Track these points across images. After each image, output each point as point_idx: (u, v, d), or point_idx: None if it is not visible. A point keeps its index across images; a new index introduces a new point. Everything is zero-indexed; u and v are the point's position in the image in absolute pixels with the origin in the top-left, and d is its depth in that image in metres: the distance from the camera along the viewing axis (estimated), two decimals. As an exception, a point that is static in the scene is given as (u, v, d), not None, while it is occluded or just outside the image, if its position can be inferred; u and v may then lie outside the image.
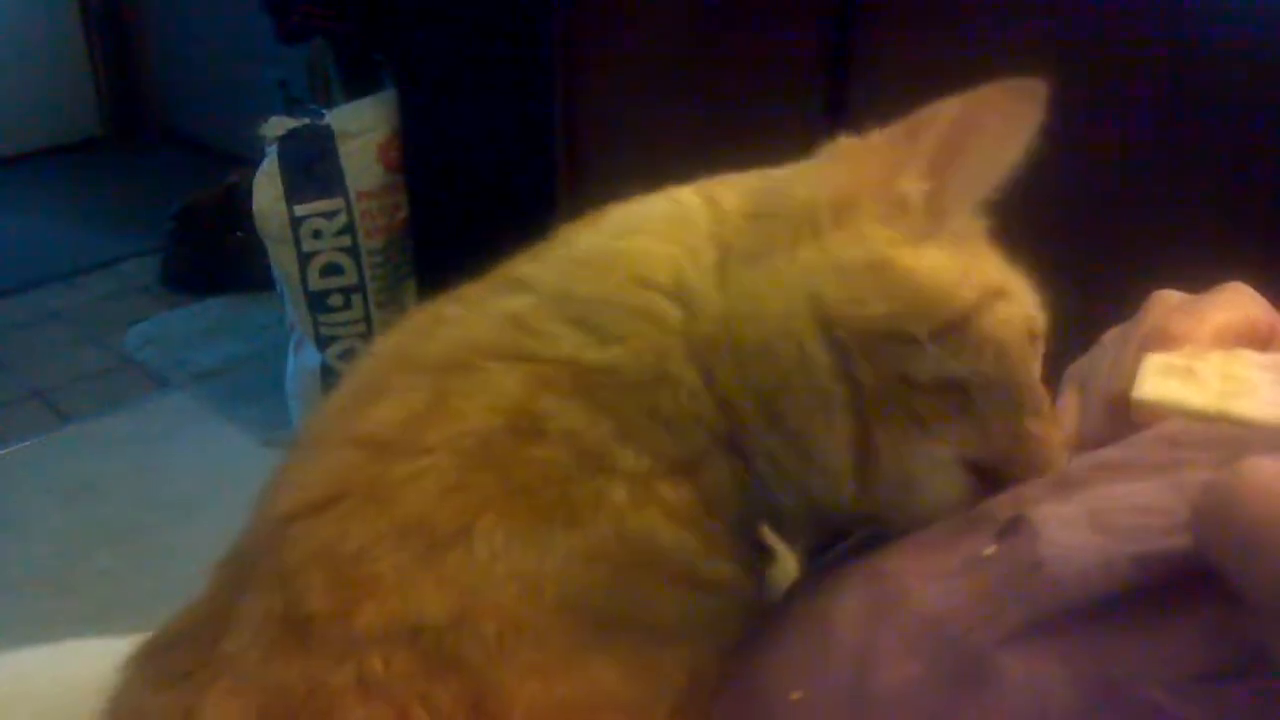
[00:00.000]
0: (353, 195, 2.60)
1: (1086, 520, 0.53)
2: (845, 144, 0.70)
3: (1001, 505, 0.60)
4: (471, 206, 2.45)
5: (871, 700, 0.53)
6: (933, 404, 0.63)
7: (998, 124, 0.67)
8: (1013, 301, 0.65)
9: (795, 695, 0.57)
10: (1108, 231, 1.64)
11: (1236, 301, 0.67)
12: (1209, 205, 1.57)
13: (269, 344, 3.20)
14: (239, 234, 3.40)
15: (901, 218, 0.65)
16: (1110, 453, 0.61)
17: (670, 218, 0.69)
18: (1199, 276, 0.71)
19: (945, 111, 0.67)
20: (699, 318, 0.64)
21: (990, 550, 0.56)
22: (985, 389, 0.63)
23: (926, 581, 0.57)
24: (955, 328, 0.62)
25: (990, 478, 0.64)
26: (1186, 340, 0.64)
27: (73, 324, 3.56)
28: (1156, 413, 0.62)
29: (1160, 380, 0.63)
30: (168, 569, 2.32)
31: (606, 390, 0.63)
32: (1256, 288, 0.69)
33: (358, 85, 2.77)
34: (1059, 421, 0.69)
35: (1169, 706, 0.45)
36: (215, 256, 3.61)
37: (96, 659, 0.69)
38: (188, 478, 2.79)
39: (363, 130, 2.62)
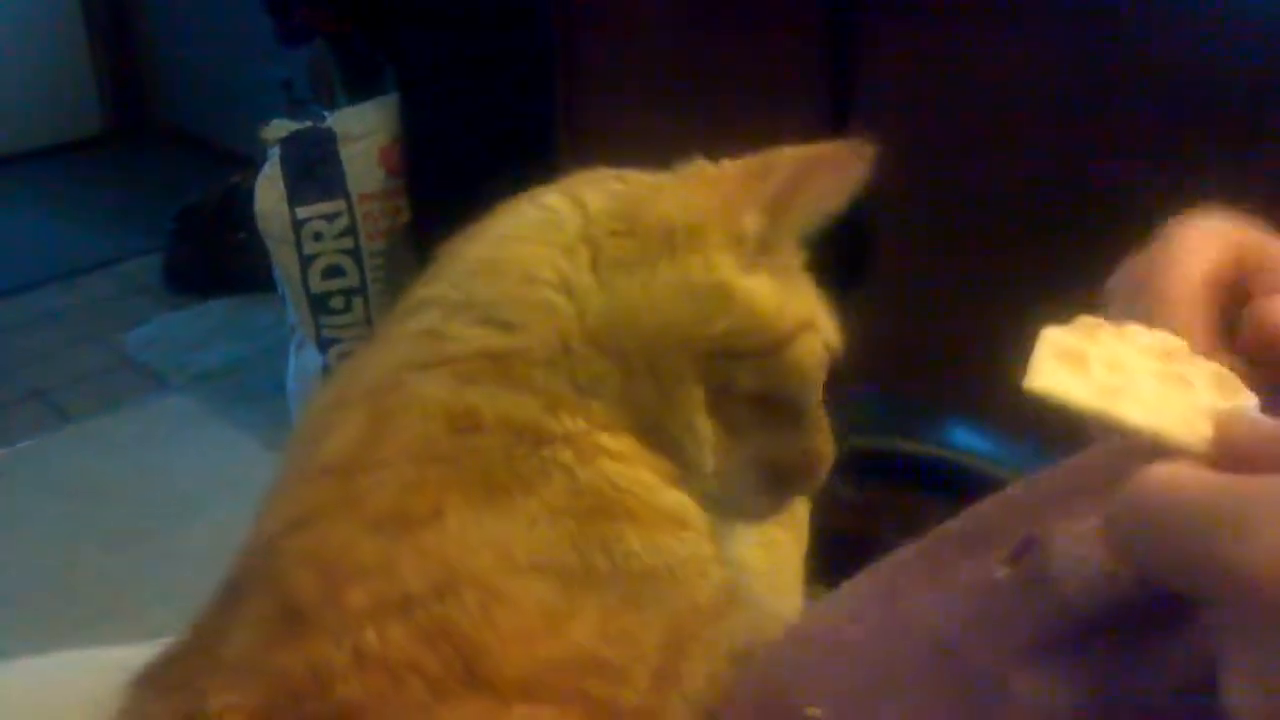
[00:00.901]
0: (354, 198, 2.61)
1: (1093, 535, 0.53)
2: (701, 168, 0.78)
3: (1012, 524, 0.60)
4: (473, 209, 2.44)
5: (889, 713, 0.54)
6: (746, 411, 0.73)
7: (829, 179, 0.75)
8: (816, 333, 0.75)
9: (812, 711, 0.57)
10: (1106, 224, 1.64)
11: (1208, 255, 0.62)
12: (1216, 195, 1.58)
13: (270, 345, 3.20)
14: (241, 235, 3.40)
15: (740, 248, 0.73)
16: (1119, 461, 0.60)
17: (542, 223, 0.76)
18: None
19: (788, 160, 0.75)
20: (586, 310, 0.72)
21: (1003, 573, 0.56)
22: (786, 406, 0.75)
23: (938, 603, 0.58)
24: (773, 350, 0.73)
25: (779, 480, 0.76)
26: (1166, 299, 0.60)
27: (74, 324, 3.57)
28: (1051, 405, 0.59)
29: (1053, 366, 0.55)
30: (169, 570, 2.32)
31: (523, 373, 0.70)
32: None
33: (360, 87, 2.77)
34: (830, 439, 0.78)
35: (1172, 713, 0.45)
36: (217, 257, 3.61)
37: (94, 669, 0.71)
38: (189, 479, 2.79)
39: (365, 133, 2.63)
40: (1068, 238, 1.65)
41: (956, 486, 0.70)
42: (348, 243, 2.62)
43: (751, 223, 0.73)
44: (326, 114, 2.67)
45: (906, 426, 0.94)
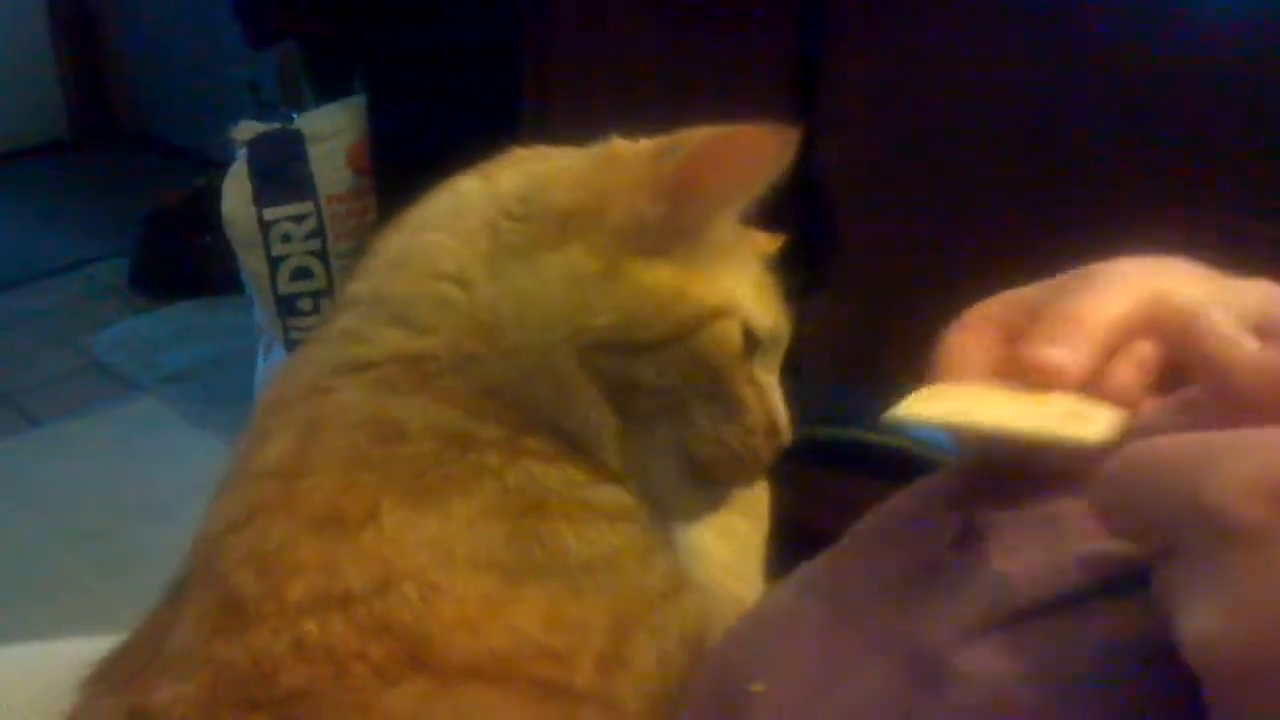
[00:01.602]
0: (322, 199, 2.60)
1: (1037, 524, 0.55)
2: (611, 148, 0.76)
3: (950, 510, 0.61)
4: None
5: (842, 703, 0.55)
6: (653, 404, 0.71)
7: (739, 162, 0.71)
8: (730, 319, 0.71)
9: (756, 687, 0.58)
10: (1076, 220, 1.66)
11: (1120, 291, 0.64)
12: (1166, 210, 1.59)
13: (238, 347, 3.19)
14: (208, 237, 3.39)
15: (638, 234, 0.70)
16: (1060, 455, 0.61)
17: (451, 210, 0.75)
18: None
19: (692, 142, 0.71)
20: (478, 304, 0.70)
21: (949, 558, 0.57)
22: (695, 398, 0.71)
23: (888, 589, 0.59)
24: (671, 341, 0.69)
25: (702, 473, 0.73)
26: (1093, 329, 0.62)
27: (41, 327, 3.55)
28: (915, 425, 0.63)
29: (915, 401, 0.63)
30: (137, 572, 2.31)
31: (438, 379, 0.69)
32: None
33: (328, 89, 2.77)
34: (771, 428, 0.74)
35: (1119, 697, 0.46)
36: (184, 260, 3.60)
37: (62, 662, 0.72)
38: (157, 481, 2.78)
39: (332, 134, 2.62)
40: (1037, 233, 1.66)
41: (917, 475, 0.70)
42: (315, 244, 2.62)
43: (649, 206, 0.70)
44: (294, 116, 2.66)
45: (872, 417, 0.94)
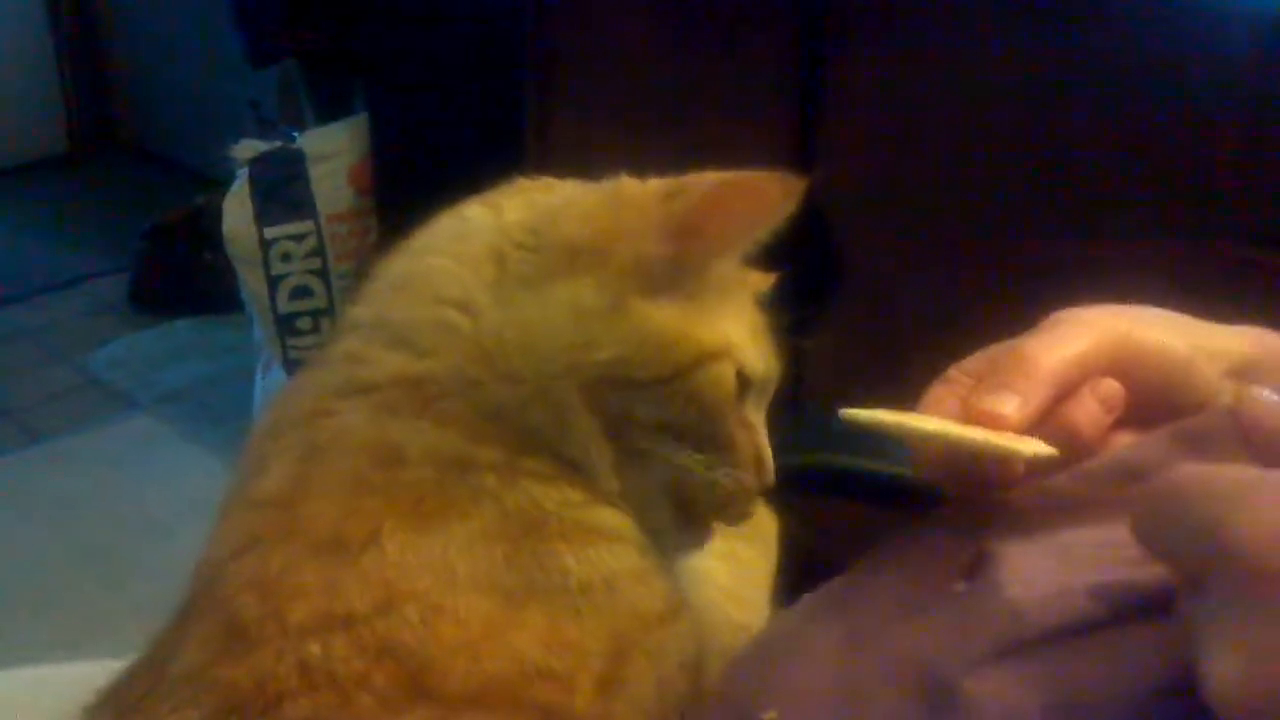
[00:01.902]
0: (323, 218, 2.61)
1: (1049, 554, 0.56)
2: (621, 186, 0.77)
3: (961, 540, 0.61)
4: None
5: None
6: (646, 440, 0.72)
7: (745, 208, 0.73)
8: (726, 362, 0.73)
9: (769, 715, 0.58)
10: (1076, 240, 1.66)
11: (1078, 334, 0.69)
12: (1179, 213, 1.59)
13: (236, 366, 3.19)
14: (208, 255, 3.40)
15: (644, 274, 0.72)
16: (1065, 485, 0.62)
17: (456, 234, 0.77)
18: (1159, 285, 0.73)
19: (700, 187, 0.73)
20: (483, 330, 0.72)
21: (960, 587, 0.58)
22: (687, 436, 0.73)
23: (900, 614, 0.59)
24: (669, 380, 0.71)
25: (689, 509, 0.75)
26: (1047, 371, 0.67)
27: (40, 343, 3.55)
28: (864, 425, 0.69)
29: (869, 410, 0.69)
30: (136, 588, 2.31)
31: (439, 402, 0.70)
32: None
33: (328, 108, 2.77)
34: (758, 467, 0.76)
35: (1142, 711, 0.47)
36: (184, 277, 3.60)
37: (66, 685, 0.72)
38: (155, 498, 2.78)
39: (334, 153, 2.63)
40: (1037, 253, 1.66)
41: (920, 504, 0.70)
42: (316, 263, 2.62)
43: (655, 247, 0.72)
44: (295, 134, 2.67)
45: (870, 444, 0.94)
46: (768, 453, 0.77)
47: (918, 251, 1.86)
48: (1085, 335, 0.69)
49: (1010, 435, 0.64)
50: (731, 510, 0.76)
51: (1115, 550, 0.54)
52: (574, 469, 0.71)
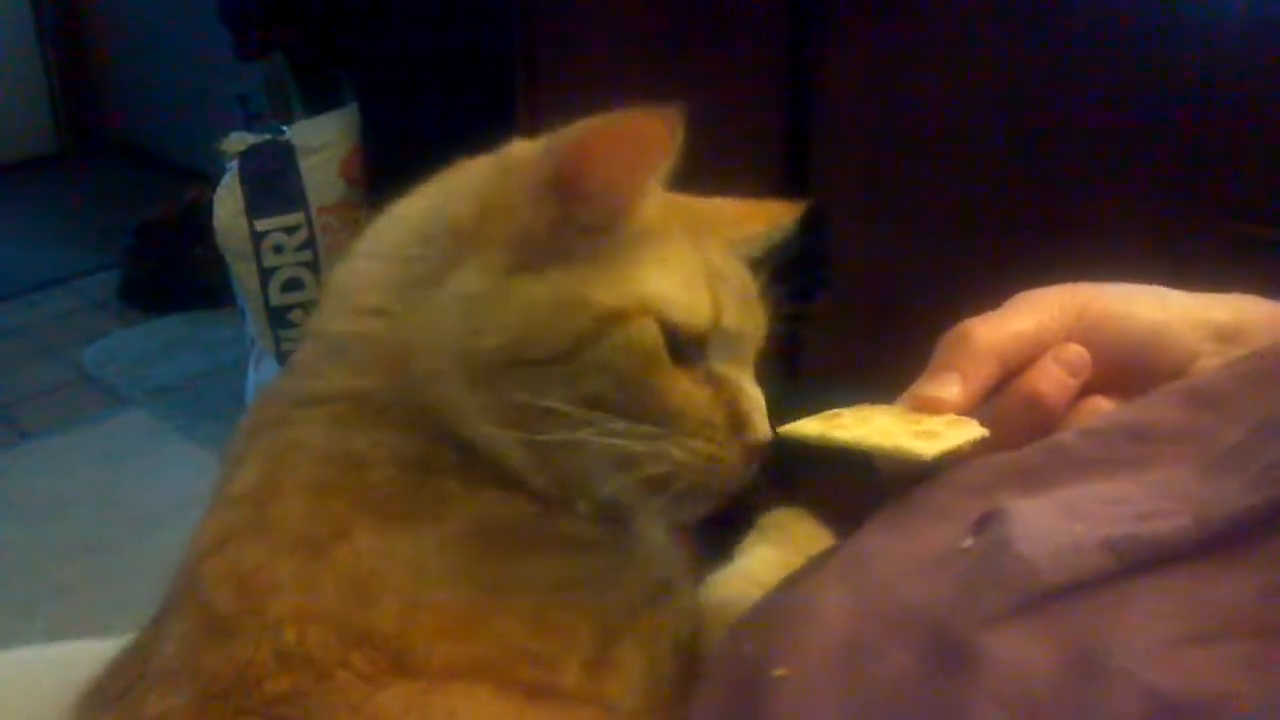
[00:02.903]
0: (314, 210, 2.61)
1: (1057, 510, 0.56)
2: (510, 153, 0.73)
3: (971, 497, 0.62)
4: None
5: (867, 686, 0.55)
6: (574, 422, 0.66)
7: (626, 152, 0.68)
8: (644, 319, 0.67)
9: (779, 671, 0.58)
10: (1066, 232, 1.66)
11: (1031, 309, 0.70)
12: (1160, 214, 1.59)
13: (228, 360, 3.19)
14: (198, 250, 3.39)
15: (527, 244, 0.67)
16: (1073, 442, 0.62)
17: (376, 233, 0.74)
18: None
19: (568, 138, 0.68)
20: (394, 335, 0.69)
21: (969, 543, 0.58)
22: (617, 409, 0.67)
23: (909, 572, 0.59)
24: (572, 354, 0.66)
25: (658, 488, 0.68)
26: (985, 347, 0.68)
27: (31, 340, 3.54)
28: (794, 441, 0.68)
29: (805, 421, 0.69)
30: (128, 585, 2.29)
31: (387, 412, 0.68)
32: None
33: (317, 100, 2.77)
34: (734, 426, 0.70)
35: (1139, 673, 0.47)
36: (174, 272, 3.59)
37: (54, 667, 0.72)
38: (147, 494, 2.77)
39: (324, 145, 2.63)
40: (1028, 244, 1.66)
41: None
42: (307, 255, 2.62)
43: (536, 213, 0.68)
44: (283, 128, 2.67)
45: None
46: (747, 405, 0.71)
47: (912, 243, 1.86)
48: (1037, 310, 0.69)
49: (951, 419, 0.66)
50: (703, 483, 0.69)
51: (1123, 506, 0.54)
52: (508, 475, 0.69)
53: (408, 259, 0.70)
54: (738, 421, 0.70)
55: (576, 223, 0.68)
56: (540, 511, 0.69)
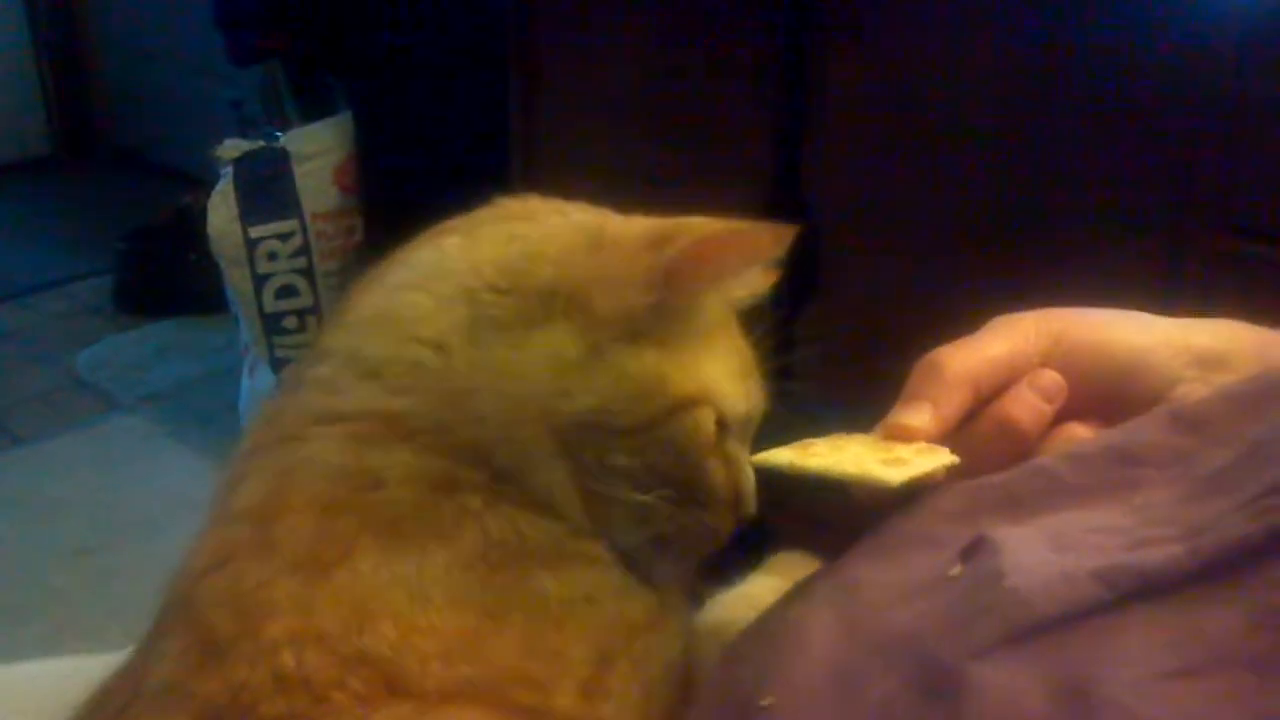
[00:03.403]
0: (308, 217, 2.61)
1: (1046, 541, 0.56)
2: (603, 227, 0.76)
3: (955, 524, 0.62)
4: (427, 228, 2.43)
5: (854, 709, 0.55)
6: (622, 482, 0.71)
7: (734, 257, 0.73)
8: (705, 408, 0.73)
9: (766, 701, 0.58)
10: (1060, 241, 1.67)
11: (1004, 334, 0.71)
12: (1164, 209, 1.60)
13: (221, 366, 3.19)
14: (192, 256, 3.39)
15: (625, 322, 0.72)
16: (1057, 467, 0.63)
17: (432, 270, 0.75)
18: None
19: (690, 236, 0.72)
20: (453, 369, 0.71)
21: (956, 570, 0.58)
22: (664, 479, 0.72)
23: (896, 599, 0.59)
24: (645, 428, 0.71)
25: (666, 544, 0.74)
26: (955, 374, 0.69)
27: (24, 345, 3.54)
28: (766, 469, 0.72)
29: (780, 450, 0.71)
30: (121, 590, 2.31)
31: (418, 436, 0.70)
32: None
33: (312, 108, 2.77)
34: (735, 501, 0.76)
35: (1134, 706, 0.47)
36: (168, 278, 3.58)
37: (52, 681, 0.72)
38: (140, 500, 2.77)
39: (318, 152, 2.63)
40: (1022, 250, 1.67)
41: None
42: (301, 262, 2.62)
43: (639, 296, 0.71)
44: (278, 134, 2.67)
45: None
46: (748, 486, 0.76)
47: (903, 252, 1.87)
48: (1012, 335, 0.70)
49: (921, 447, 0.67)
50: (701, 547, 0.76)
51: (1112, 535, 0.54)
52: (546, 505, 0.71)
53: (478, 304, 0.72)
54: (738, 499, 0.76)
55: (669, 308, 0.72)
56: (565, 532, 0.71)
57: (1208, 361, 0.68)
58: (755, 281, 0.77)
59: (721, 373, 0.75)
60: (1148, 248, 1.55)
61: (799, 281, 1.82)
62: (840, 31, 1.91)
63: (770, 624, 0.67)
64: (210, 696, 0.62)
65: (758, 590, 0.83)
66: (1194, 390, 0.67)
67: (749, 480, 0.76)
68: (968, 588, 0.56)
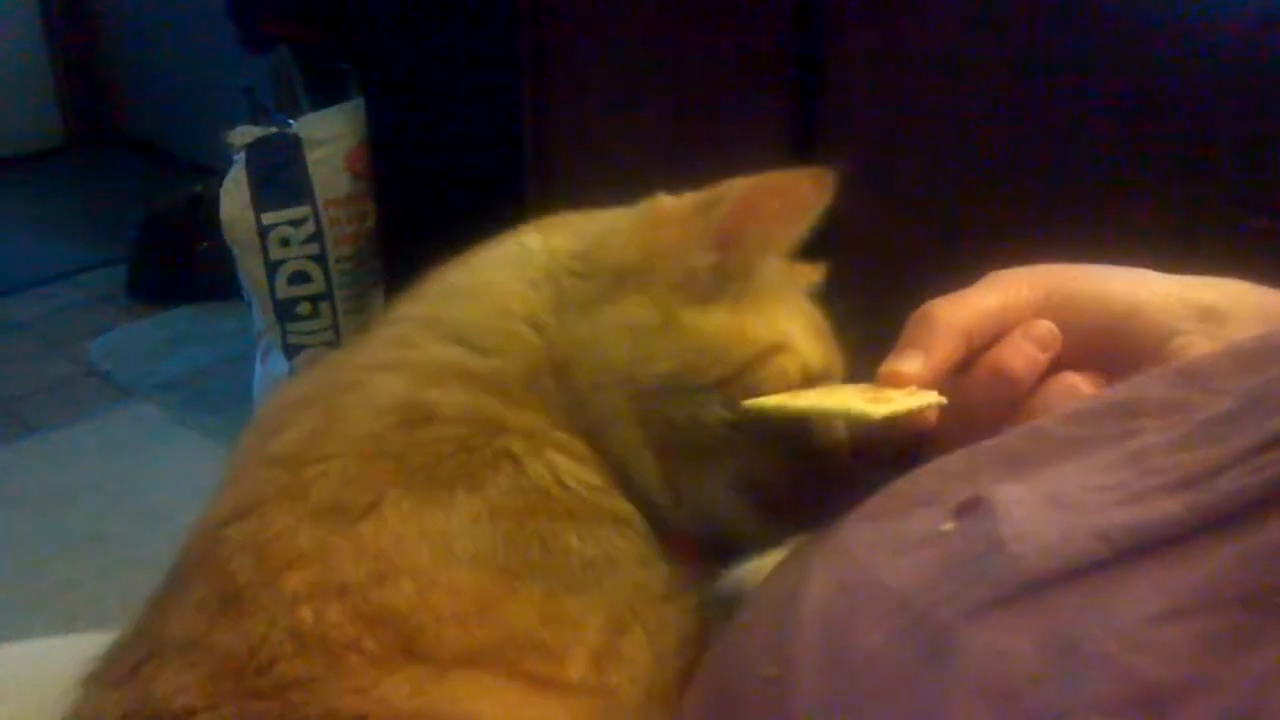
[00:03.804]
0: (320, 203, 2.61)
1: (1043, 499, 0.55)
2: (655, 206, 0.80)
3: (953, 482, 0.62)
4: (439, 214, 2.44)
5: (844, 666, 0.55)
6: (716, 440, 0.74)
7: (781, 208, 0.76)
8: (787, 354, 0.75)
9: (767, 671, 0.58)
10: (1068, 225, 1.66)
11: (998, 287, 0.72)
12: (1167, 208, 1.59)
13: (233, 353, 3.19)
14: (204, 243, 3.39)
15: (691, 284, 0.75)
16: (1054, 426, 0.62)
17: (516, 259, 0.80)
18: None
19: (734, 192, 0.76)
20: (551, 345, 0.75)
21: (949, 526, 0.58)
22: (761, 432, 0.74)
23: (888, 556, 0.59)
24: (731, 380, 0.73)
25: (767, 498, 0.76)
26: (947, 323, 0.71)
27: (37, 334, 3.55)
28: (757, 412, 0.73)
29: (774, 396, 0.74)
30: (135, 578, 2.28)
31: (489, 383, 0.73)
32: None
33: (323, 94, 2.77)
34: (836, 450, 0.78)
35: (1119, 656, 0.47)
36: (180, 265, 3.59)
37: (62, 658, 0.72)
38: (153, 487, 2.77)
39: (330, 139, 2.63)
40: (1032, 237, 1.66)
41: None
42: (314, 249, 2.62)
43: (700, 258, 0.75)
44: (290, 121, 2.67)
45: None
46: (843, 438, 0.79)
47: (916, 238, 1.86)
48: (1005, 288, 0.72)
49: (911, 391, 0.68)
50: (806, 508, 0.74)
51: (1109, 491, 0.54)
52: (612, 468, 0.74)
53: (557, 286, 0.77)
54: (835, 444, 0.78)
55: (731, 267, 0.76)
56: (603, 485, 0.73)
57: (1210, 315, 0.68)
58: (804, 229, 0.79)
59: (796, 325, 0.78)
60: (1160, 228, 1.54)
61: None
62: (853, 23, 1.91)
63: (768, 591, 0.68)
64: (229, 651, 0.63)
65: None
66: (1193, 341, 0.67)
67: (841, 432, 0.79)
68: (962, 546, 0.56)
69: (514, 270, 0.79)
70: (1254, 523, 0.48)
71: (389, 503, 0.67)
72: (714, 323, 0.75)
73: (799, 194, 0.76)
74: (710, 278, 0.75)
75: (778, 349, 0.75)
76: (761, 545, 0.79)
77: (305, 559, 0.65)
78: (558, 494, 0.71)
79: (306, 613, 0.63)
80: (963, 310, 0.71)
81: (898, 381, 0.69)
